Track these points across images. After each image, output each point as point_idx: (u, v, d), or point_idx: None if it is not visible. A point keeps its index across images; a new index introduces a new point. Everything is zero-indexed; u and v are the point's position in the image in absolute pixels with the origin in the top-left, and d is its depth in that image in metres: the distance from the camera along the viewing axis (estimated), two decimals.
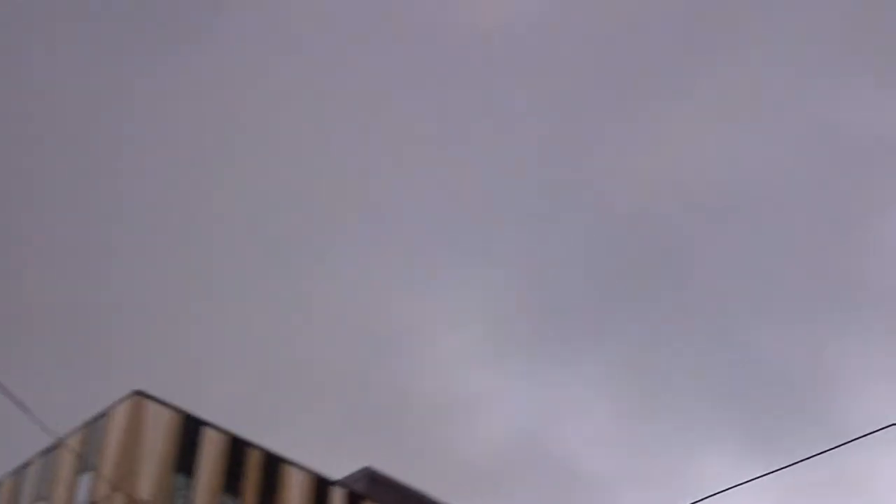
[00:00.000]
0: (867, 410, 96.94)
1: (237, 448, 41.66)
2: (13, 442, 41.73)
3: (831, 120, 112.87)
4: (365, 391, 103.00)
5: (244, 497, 40.90)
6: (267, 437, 45.62)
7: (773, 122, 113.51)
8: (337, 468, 49.80)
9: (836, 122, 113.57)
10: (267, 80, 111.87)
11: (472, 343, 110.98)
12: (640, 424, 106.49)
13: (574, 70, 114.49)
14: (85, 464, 39.09)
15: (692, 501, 14.77)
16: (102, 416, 40.11)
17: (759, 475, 14.22)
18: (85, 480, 38.80)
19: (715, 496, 14.56)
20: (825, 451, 13.79)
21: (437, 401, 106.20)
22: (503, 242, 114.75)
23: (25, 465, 43.05)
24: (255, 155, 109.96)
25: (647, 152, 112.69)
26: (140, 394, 39.48)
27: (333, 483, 44.57)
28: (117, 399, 39.95)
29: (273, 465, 42.58)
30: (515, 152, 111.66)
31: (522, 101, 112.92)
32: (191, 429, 40.44)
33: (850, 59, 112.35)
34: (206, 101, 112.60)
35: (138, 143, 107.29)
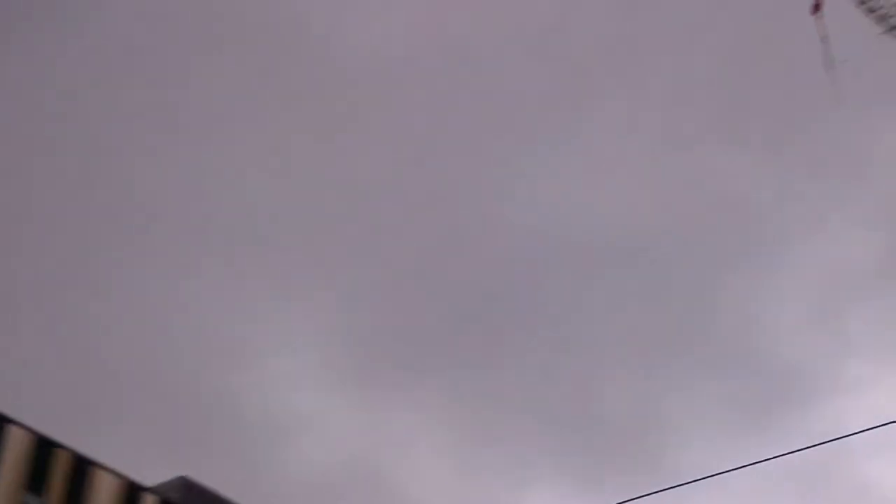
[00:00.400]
0: (697, 461, 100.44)
1: (43, 448, 39.97)
2: None
3: (696, 177, 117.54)
4: (191, 403, 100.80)
5: (49, 498, 39.24)
6: (82, 440, 44.09)
7: (637, 175, 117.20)
8: (155, 477, 48.49)
9: (702, 179, 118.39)
10: None
11: (304, 363, 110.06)
12: (473, 456, 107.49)
13: (424, 102, 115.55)
14: None
15: None
16: None
17: None
18: None
19: None
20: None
21: (266, 418, 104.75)
22: (341, 266, 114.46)
23: None
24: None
25: (509, 186, 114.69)
26: None
27: (146, 489, 43.22)
28: None
29: (82, 467, 41.00)
30: (359, 176, 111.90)
31: (372, 124, 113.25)
32: None
33: (717, 122, 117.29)
34: None
35: None
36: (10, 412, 39.34)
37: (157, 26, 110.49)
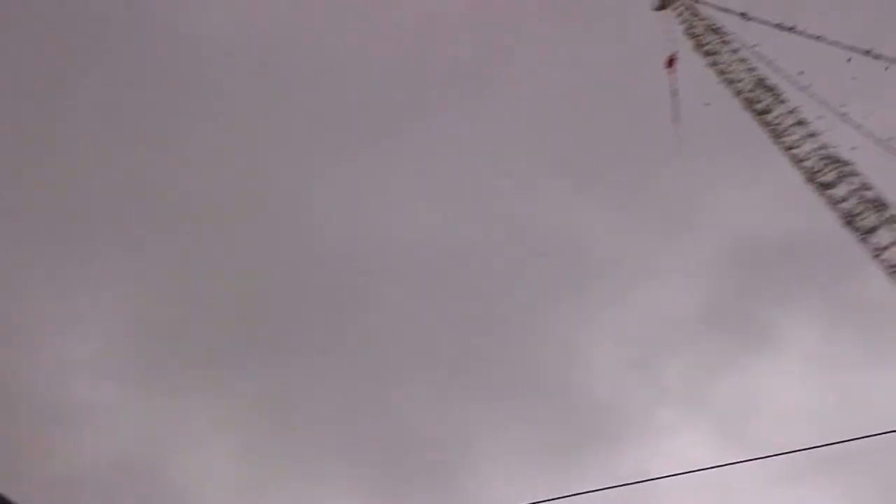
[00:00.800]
0: (501, 488, 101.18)
1: None
2: None
3: (532, 210, 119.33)
4: None
5: None
6: None
7: (468, 198, 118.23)
8: None
9: (539, 213, 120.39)
10: None
11: (91, 353, 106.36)
12: (263, 467, 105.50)
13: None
14: None
15: None
16: None
17: None
18: None
19: None
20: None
21: (44, 404, 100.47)
22: (142, 259, 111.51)
23: None
24: None
25: (325, 198, 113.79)
26: None
27: None
28: None
29: None
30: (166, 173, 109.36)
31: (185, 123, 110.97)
32: None
33: (562, 160, 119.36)
34: None
35: None
36: None
37: None
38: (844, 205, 58.21)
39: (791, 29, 64.81)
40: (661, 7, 74.44)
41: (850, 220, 57.55)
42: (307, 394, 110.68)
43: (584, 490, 22.92)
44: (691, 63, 69.85)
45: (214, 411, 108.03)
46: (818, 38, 63.85)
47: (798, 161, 61.30)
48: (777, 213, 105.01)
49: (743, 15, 67.40)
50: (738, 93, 66.44)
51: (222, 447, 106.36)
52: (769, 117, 63.95)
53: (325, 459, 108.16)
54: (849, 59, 60.17)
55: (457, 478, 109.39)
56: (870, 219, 56.73)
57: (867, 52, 60.65)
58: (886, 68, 60.83)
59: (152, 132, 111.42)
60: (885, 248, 55.56)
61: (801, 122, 62.91)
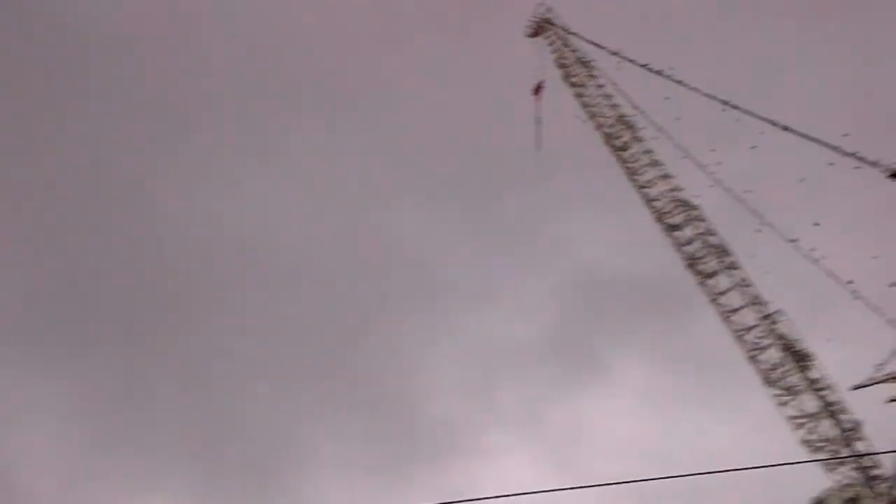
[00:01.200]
0: (330, 499, 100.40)
1: None
2: None
3: (386, 226, 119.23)
4: None
5: None
6: None
7: (324, 211, 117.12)
8: None
9: (394, 231, 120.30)
10: None
11: None
12: (97, 454, 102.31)
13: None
14: None
15: None
16: None
17: None
18: None
19: None
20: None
21: None
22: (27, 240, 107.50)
23: None
24: None
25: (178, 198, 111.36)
26: None
27: None
28: None
29: None
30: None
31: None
32: None
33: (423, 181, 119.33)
34: None
35: None
36: None
37: None
38: (689, 247, 59.93)
39: (659, 72, 66.43)
40: (535, 34, 75.33)
41: (692, 262, 59.27)
42: (149, 392, 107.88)
43: None
44: (563, 93, 70.95)
45: (56, 393, 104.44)
46: (679, 82, 65.52)
47: (649, 200, 62.85)
48: (624, 250, 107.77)
49: (615, 53, 68.79)
50: (600, 127, 67.74)
51: (63, 429, 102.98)
52: (626, 154, 65.41)
53: (156, 451, 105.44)
54: (723, 108, 61.83)
55: (290, 483, 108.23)
56: (711, 263, 58.55)
57: (725, 102, 62.54)
58: (738, 120, 62.65)
59: None
60: (723, 292, 57.42)
61: (655, 163, 64.53)
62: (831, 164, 56.53)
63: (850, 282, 54.91)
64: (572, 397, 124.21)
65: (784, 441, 52.52)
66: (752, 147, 63.55)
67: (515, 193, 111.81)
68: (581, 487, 24.90)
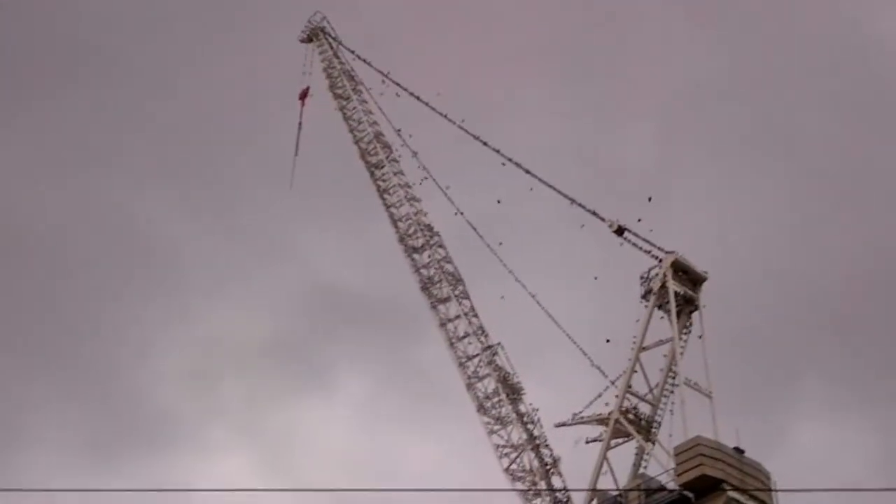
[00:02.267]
0: (40, 475, 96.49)
1: None
2: None
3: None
4: None
5: None
6: None
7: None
8: None
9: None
10: None
11: None
12: None
13: None
14: None
15: None
16: None
17: None
18: None
19: None
20: None
21: None
22: None
23: None
24: None
25: None
26: None
27: None
28: None
29: None
30: None
31: None
32: None
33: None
34: None
35: None
36: None
37: None
38: (425, 271, 61.63)
39: (419, 98, 68.15)
40: (308, 40, 75.61)
41: (427, 286, 60.97)
42: None
43: (122, 489, 22.73)
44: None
45: None
46: (432, 107, 67.24)
47: (395, 220, 64.21)
48: (363, 266, 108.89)
49: (383, 74, 70.02)
50: (357, 141, 68.67)
51: None
52: (379, 173, 66.57)
53: None
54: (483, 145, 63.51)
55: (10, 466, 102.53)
56: (444, 289, 60.44)
57: (466, 131, 64.52)
58: (479, 154, 64.73)
59: None
60: (452, 319, 59.40)
61: (405, 185, 66.06)
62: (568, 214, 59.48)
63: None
64: (293, 403, 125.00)
65: (489, 468, 54.85)
66: (498, 201, 66.36)
67: (266, 195, 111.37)
68: (294, 490, 25.33)
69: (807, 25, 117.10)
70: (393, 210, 64.64)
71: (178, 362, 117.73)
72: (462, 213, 63.54)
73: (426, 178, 65.31)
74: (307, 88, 74.98)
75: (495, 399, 55.67)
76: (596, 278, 60.29)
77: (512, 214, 74.91)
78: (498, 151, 63.20)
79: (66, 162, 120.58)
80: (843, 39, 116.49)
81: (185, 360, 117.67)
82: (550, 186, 60.22)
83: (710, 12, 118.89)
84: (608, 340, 56.09)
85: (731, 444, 48.76)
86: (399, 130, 68.12)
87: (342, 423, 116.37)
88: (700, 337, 54.29)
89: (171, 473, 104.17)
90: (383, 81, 69.45)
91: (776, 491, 47.55)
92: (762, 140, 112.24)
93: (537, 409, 55.70)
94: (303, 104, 74.90)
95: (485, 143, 63.90)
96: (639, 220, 56.65)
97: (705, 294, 55.24)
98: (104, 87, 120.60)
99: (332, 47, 74.49)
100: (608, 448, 52.07)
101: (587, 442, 52.89)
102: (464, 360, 57.66)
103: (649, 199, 63.46)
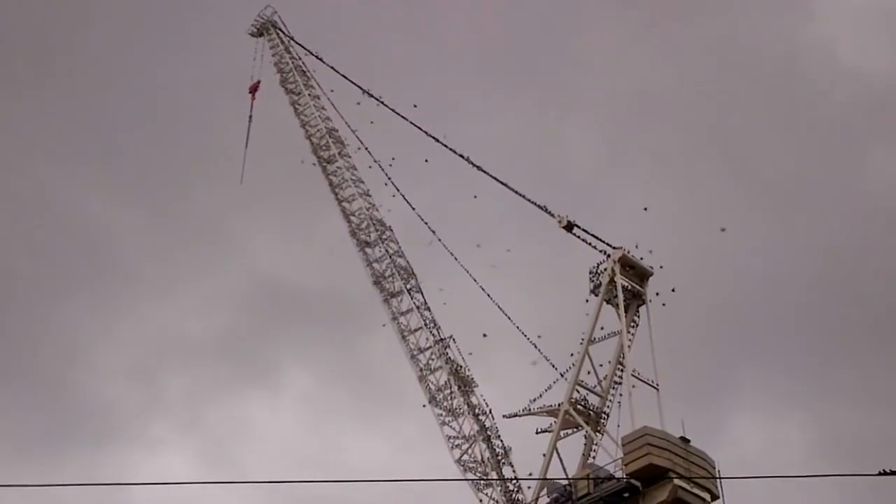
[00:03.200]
0: None
1: None
2: None
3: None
4: None
5: None
6: None
7: None
8: None
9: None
10: None
11: None
12: None
13: None
14: None
15: None
16: None
17: None
18: None
19: None
20: None
21: None
22: None
23: None
24: None
25: None
26: None
27: None
28: None
29: None
30: None
31: None
32: None
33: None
34: None
35: None
36: None
37: None
38: (378, 265, 62.17)
39: (371, 95, 68.61)
40: (258, 34, 75.69)
41: (379, 280, 61.53)
42: None
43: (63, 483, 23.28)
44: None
45: None
46: (386, 106, 67.75)
47: (347, 215, 64.65)
48: (308, 262, 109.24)
49: (335, 69, 70.46)
50: (309, 136, 68.99)
51: None
52: (331, 167, 66.96)
53: None
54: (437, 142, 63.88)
55: None
56: (397, 284, 61.05)
57: (435, 138, 65.11)
58: (426, 161, 65.40)
59: None
60: (404, 313, 60.03)
61: (357, 180, 66.56)
62: (515, 211, 60.32)
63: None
64: (238, 398, 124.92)
65: (435, 463, 55.59)
66: (475, 196, 66.22)
67: (211, 192, 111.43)
68: (238, 483, 25.81)
69: (746, 36, 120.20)
70: (345, 205, 65.08)
71: (123, 359, 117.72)
72: (414, 209, 64.35)
73: (370, 166, 65.98)
74: (258, 82, 75.12)
75: (447, 391, 56.41)
76: (546, 274, 61.17)
77: (463, 210, 75.86)
78: (448, 147, 63.88)
79: (10, 159, 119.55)
80: (778, 49, 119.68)
81: (130, 358, 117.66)
82: (502, 183, 61.03)
83: (653, 18, 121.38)
84: (539, 336, 57.34)
85: (678, 434, 49.82)
86: (350, 125, 68.83)
87: (287, 419, 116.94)
88: (636, 327, 55.04)
89: (115, 469, 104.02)
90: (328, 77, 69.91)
91: (721, 479, 48.65)
92: (704, 142, 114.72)
93: (487, 402, 56.61)
94: (253, 98, 74.97)
95: (436, 140, 64.55)
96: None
97: (651, 289, 56.40)
98: (47, 82, 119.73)
99: (283, 42, 74.70)
100: (558, 438, 52.99)
101: (537, 433, 53.83)
102: (416, 353, 58.33)
103: (645, 209, 62.94)
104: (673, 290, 55.85)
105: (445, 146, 64.15)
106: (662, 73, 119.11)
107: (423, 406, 57.01)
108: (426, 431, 57.05)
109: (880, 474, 22.68)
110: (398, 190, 65.16)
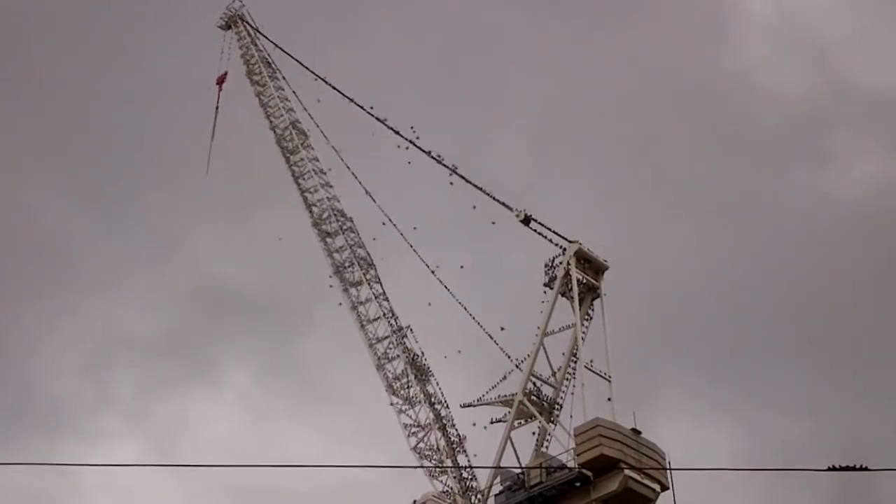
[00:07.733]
0: None
1: None
2: None
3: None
4: None
5: None
6: None
7: None
8: None
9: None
10: None
11: None
12: None
13: None
14: None
15: None
16: None
17: None
18: None
19: None
20: None
21: None
22: None
23: None
24: None
25: None
26: None
27: None
28: None
29: None
30: None
31: None
32: None
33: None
34: None
35: None
36: None
37: None
38: (338, 255, 62.83)
39: (335, 88, 69.24)
40: (226, 27, 76.23)
41: (339, 270, 62.17)
42: None
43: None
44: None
45: None
46: (349, 99, 68.19)
47: (309, 205, 65.26)
48: (249, 259, 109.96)
49: (299, 62, 71.09)
50: (274, 128, 69.54)
51: None
52: (294, 158, 67.54)
53: None
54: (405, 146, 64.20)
55: None
56: (356, 273, 61.72)
57: (383, 121, 65.51)
58: (401, 146, 65.70)
59: None
60: (363, 302, 60.75)
61: (320, 171, 67.17)
62: (474, 206, 60.80)
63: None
64: (182, 394, 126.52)
65: (375, 456, 56.19)
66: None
67: (156, 189, 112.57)
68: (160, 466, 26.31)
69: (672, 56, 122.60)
70: (307, 195, 65.68)
71: (70, 356, 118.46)
72: (374, 200, 64.86)
73: (331, 163, 66.63)
74: (225, 74, 75.72)
75: (404, 380, 57.13)
76: (502, 266, 61.83)
77: (417, 204, 76.65)
78: (405, 138, 64.15)
79: None
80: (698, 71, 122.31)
81: (77, 355, 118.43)
82: (463, 177, 61.55)
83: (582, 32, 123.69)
84: (503, 329, 57.89)
85: (629, 426, 50.66)
86: (314, 118, 69.43)
87: (229, 413, 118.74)
88: (590, 320, 55.87)
89: (66, 460, 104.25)
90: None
91: (671, 470, 49.53)
92: (631, 153, 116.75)
93: (443, 391, 57.40)
94: (220, 89, 75.52)
95: (396, 132, 64.96)
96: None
97: (606, 284, 57.16)
98: None
99: (250, 35, 75.22)
100: (512, 428, 53.75)
101: (492, 422, 54.58)
102: (374, 342, 59.05)
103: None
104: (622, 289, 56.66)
105: (405, 139, 64.34)
106: (586, 83, 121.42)
107: (389, 402, 57.49)
108: (360, 428, 57.71)
109: (829, 469, 22.81)
110: (359, 181, 65.72)
